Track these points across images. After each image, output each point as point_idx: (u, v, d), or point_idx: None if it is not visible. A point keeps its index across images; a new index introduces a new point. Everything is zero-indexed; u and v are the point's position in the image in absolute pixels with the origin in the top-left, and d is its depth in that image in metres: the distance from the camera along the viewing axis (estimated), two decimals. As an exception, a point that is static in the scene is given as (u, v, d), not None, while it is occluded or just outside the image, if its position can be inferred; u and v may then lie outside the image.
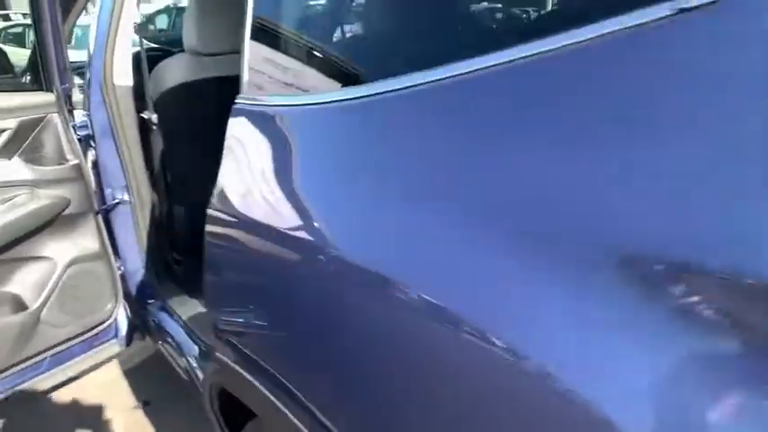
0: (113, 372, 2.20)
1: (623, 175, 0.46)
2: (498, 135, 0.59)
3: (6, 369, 1.61)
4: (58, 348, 1.74)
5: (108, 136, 1.76)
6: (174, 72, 1.85)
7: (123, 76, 1.72)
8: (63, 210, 1.60)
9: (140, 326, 2.07)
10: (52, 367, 1.78)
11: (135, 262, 1.97)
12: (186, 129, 1.97)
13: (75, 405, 2.02)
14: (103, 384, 2.13)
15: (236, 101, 1.07)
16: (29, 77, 1.66)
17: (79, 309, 1.73)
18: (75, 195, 1.62)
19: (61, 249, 1.65)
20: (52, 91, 1.54)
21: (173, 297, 1.96)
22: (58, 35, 1.53)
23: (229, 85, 2.08)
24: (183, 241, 2.14)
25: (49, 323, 1.65)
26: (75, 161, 1.60)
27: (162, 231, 2.02)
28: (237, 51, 2.10)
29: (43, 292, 1.61)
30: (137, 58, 1.78)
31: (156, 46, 3.51)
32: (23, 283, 1.60)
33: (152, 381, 2.18)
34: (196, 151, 2.05)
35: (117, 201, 1.84)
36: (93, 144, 1.80)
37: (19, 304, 1.59)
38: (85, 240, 1.70)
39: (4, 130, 1.46)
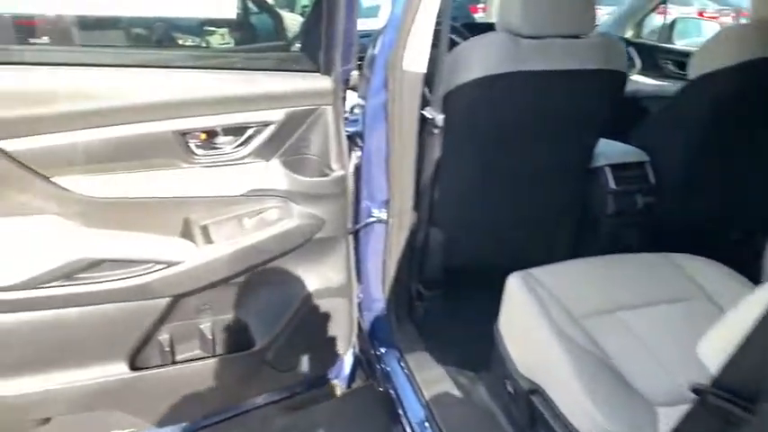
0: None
1: None
2: None
3: (216, 410, 1.34)
4: (275, 391, 1.43)
5: (380, 136, 1.32)
6: (481, 59, 1.31)
7: (417, 60, 1.25)
8: (315, 234, 1.21)
9: (366, 366, 1.69)
10: (262, 405, 1.48)
11: (376, 292, 1.57)
12: (483, 138, 1.44)
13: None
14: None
15: None
16: (301, 52, 1.27)
17: (309, 354, 1.37)
18: (331, 215, 1.21)
19: (302, 279, 1.28)
20: (330, 75, 1.12)
21: (411, 351, 1.52)
22: (353, 2, 1.09)
23: (559, 85, 1.35)
24: (433, 273, 1.67)
25: (275, 367, 1.32)
26: (341, 172, 1.18)
27: (414, 259, 1.58)
28: (573, 35, 1.50)
29: (274, 329, 1.27)
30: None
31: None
32: (253, 313, 1.27)
33: (367, 425, 1.79)
34: (497, 169, 1.52)
35: (373, 219, 1.42)
36: (359, 143, 1.39)
37: (245, 337, 1.27)
38: (331, 270, 1.30)
39: (268, 124, 1.08)
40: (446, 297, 1.77)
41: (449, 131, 1.39)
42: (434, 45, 1.29)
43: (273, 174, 1.14)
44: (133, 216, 1.04)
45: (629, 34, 2.52)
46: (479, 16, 7.42)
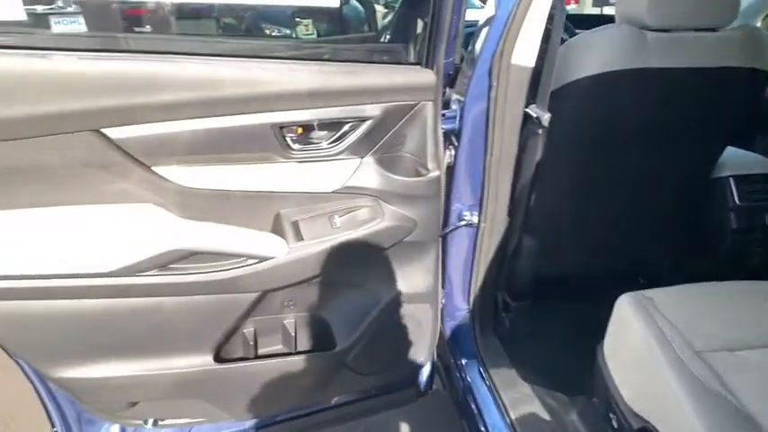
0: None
1: None
2: None
3: (293, 407, 1.32)
4: (352, 393, 1.40)
5: (479, 133, 1.24)
6: (599, 54, 1.18)
7: (527, 53, 1.14)
8: (406, 237, 1.14)
9: (444, 374, 1.62)
10: (338, 406, 1.45)
11: (459, 300, 1.49)
12: (591, 140, 1.32)
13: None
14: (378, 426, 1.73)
15: None
16: (400, 44, 1.20)
17: (389, 359, 1.32)
18: (423, 218, 1.15)
19: (388, 282, 1.22)
20: (432, 68, 1.05)
21: (495, 365, 1.42)
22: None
23: (689, 84, 1.18)
24: (523, 283, 1.56)
25: (354, 369, 1.28)
26: (436, 173, 1.11)
27: (502, 267, 1.48)
28: (708, 28, 1.28)
29: (356, 332, 1.23)
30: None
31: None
32: (336, 313, 1.24)
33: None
34: (605, 175, 1.39)
35: (463, 222, 1.34)
36: (454, 142, 1.31)
37: (326, 337, 1.24)
38: (418, 275, 1.24)
39: (365, 119, 1.03)
40: (533, 309, 1.66)
41: (553, 132, 1.28)
42: (544, 38, 1.18)
43: (367, 171, 1.09)
44: (227, 208, 1.02)
45: (758, 26, 2.25)
46: (571, 8, 7.06)
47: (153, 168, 0.95)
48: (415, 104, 1.06)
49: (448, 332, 1.55)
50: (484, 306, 1.51)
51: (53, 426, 1.18)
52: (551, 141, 1.32)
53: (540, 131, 1.27)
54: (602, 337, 1.12)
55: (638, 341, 0.97)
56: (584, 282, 1.60)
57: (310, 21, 1.84)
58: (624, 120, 1.27)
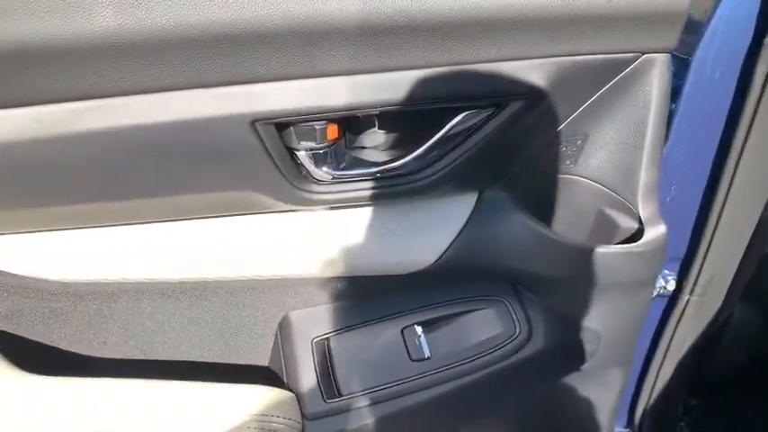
0: None
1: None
2: None
3: None
4: None
5: (709, 130, 0.60)
6: None
7: None
8: (575, 368, 0.51)
9: None
10: None
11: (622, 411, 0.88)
12: None
13: None
14: None
15: None
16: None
17: None
18: (614, 325, 0.52)
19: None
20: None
21: None
22: None
23: None
24: (716, 373, 0.94)
25: None
26: (660, 229, 0.46)
27: (698, 354, 0.86)
28: None
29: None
30: None
31: None
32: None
33: None
34: None
35: (654, 293, 0.73)
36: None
37: None
38: (585, 417, 0.62)
39: (503, 101, 0.39)
40: (729, 412, 1.03)
41: None
42: None
43: (491, 222, 0.46)
44: (150, 326, 0.42)
45: None
46: None
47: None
48: (631, 61, 0.41)
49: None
50: (659, 417, 0.90)
51: None
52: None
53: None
54: None
55: None
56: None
57: None
58: None
